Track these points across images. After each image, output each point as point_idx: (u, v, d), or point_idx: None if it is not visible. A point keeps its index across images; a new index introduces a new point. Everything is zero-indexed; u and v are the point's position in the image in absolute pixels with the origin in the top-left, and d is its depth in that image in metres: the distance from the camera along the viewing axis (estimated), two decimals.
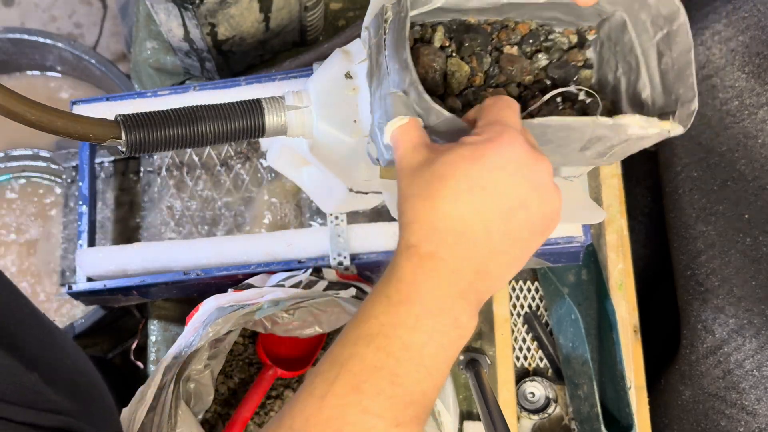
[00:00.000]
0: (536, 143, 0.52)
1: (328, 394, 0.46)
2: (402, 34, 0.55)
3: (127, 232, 0.97)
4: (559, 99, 0.65)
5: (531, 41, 0.66)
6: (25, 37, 1.29)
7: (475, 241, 0.48)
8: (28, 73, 1.39)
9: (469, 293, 0.49)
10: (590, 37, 0.67)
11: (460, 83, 0.63)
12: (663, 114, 0.60)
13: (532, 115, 0.62)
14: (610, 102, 0.65)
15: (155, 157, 0.97)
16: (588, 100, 0.65)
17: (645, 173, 1.12)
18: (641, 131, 0.56)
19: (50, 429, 0.49)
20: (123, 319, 1.29)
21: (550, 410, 0.91)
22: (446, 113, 0.53)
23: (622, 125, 0.55)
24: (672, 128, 0.57)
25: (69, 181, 0.99)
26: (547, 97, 0.61)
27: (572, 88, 0.64)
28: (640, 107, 0.63)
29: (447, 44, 0.64)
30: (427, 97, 0.53)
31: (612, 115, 0.56)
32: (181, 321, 1.01)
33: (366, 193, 0.75)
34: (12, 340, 0.51)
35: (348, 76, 0.67)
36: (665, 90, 0.61)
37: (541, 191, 0.50)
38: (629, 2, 0.61)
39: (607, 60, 0.66)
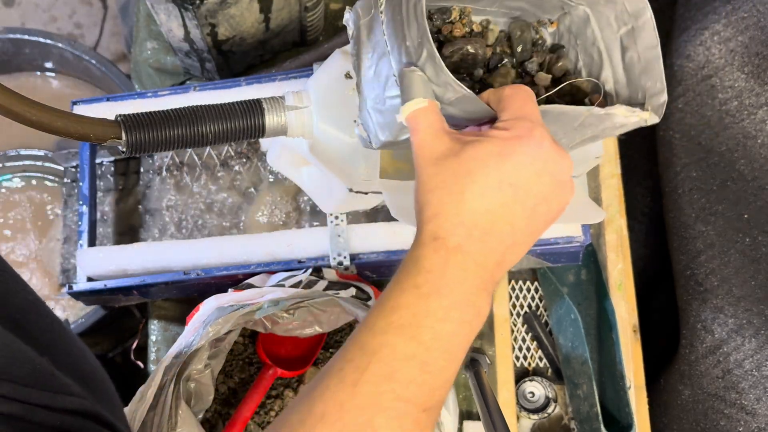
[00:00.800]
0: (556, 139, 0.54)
1: (361, 382, 0.47)
2: (419, 7, 0.53)
3: (127, 232, 0.97)
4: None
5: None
6: (26, 37, 1.30)
7: (500, 235, 0.50)
8: (28, 73, 1.39)
9: (489, 283, 0.51)
10: (550, 29, 0.68)
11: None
12: (630, 105, 0.61)
13: None
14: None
15: (155, 157, 0.97)
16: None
17: (645, 173, 1.12)
18: (624, 120, 0.58)
19: (66, 411, 0.50)
20: (123, 319, 1.29)
21: (549, 410, 0.91)
22: (466, 90, 0.53)
23: (611, 114, 0.57)
24: (649, 118, 0.59)
25: (69, 181, 0.99)
26: (558, 88, 0.63)
27: (581, 80, 0.65)
28: (604, 99, 0.64)
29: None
30: (447, 71, 0.52)
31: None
32: (181, 321, 1.01)
33: (366, 193, 0.76)
34: (22, 327, 0.52)
35: (348, 76, 0.67)
36: (629, 83, 0.62)
37: (562, 186, 0.52)
38: None
39: (566, 52, 0.67)
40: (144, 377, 0.98)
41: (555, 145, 0.51)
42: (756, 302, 0.88)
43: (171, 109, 0.62)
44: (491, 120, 0.54)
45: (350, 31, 0.62)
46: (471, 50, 0.63)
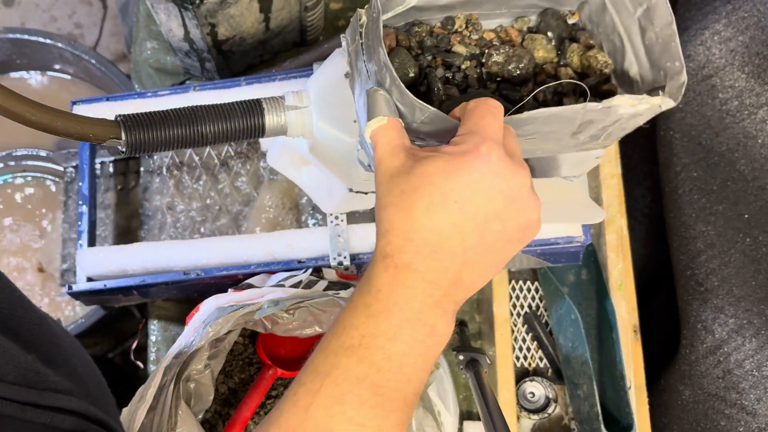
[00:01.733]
0: (517, 150, 0.53)
1: (312, 405, 0.47)
2: (377, 34, 0.54)
3: (127, 232, 0.97)
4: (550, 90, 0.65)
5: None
6: (25, 37, 1.30)
7: (450, 252, 0.49)
8: (28, 73, 1.39)
9: (445, 302, 0.49)
10: (572, 20, 0.66)
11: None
12: (653, 89, 0.59)
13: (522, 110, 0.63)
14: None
15: (155, 157, 0.97)
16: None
17: (645, 173, 1.12)
18: (632, 110, 0.55)
19: (52, 408, 0.50)
20: (123, 319, 1.29)
21: (549, 410, 0.91)
22: (430, 108, 0.53)
23: (611, 107, 0.55)
24: (663, 102, 0.56)
25: (69, 181, 0.99)
26: (530, 96, 0.61)
27: (562, 81, 0.64)
28: (630, 85, 0.63)
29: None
30: (408, 92, 0.53)
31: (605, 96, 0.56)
32: (181, 321, 1.01)
33: (366, 193, 0.75)
34: (6, 323, 0.52)
35: (348, 76, 0.67)
36: (653, 65, 0.60)
37: (517, 203, 0.50)
38: None
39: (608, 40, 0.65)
40: (144, 377, 0.99)
41: (506, 159, 0.49)
42: (756, 302, 0.88)
43: (171, 109, 0.62)
44: None
45: (345, 58, 0.62)
46: (511, 67, 0.62)
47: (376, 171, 0.52)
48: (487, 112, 0.52)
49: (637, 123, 0.59)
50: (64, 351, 0.61)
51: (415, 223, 0.49)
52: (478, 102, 0.53)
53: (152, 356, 1.01)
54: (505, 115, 0.55)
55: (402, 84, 0.53)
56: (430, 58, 0.64)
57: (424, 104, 0.53)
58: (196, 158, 0.96)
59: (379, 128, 0.53)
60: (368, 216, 0.88)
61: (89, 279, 0.88)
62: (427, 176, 0.49)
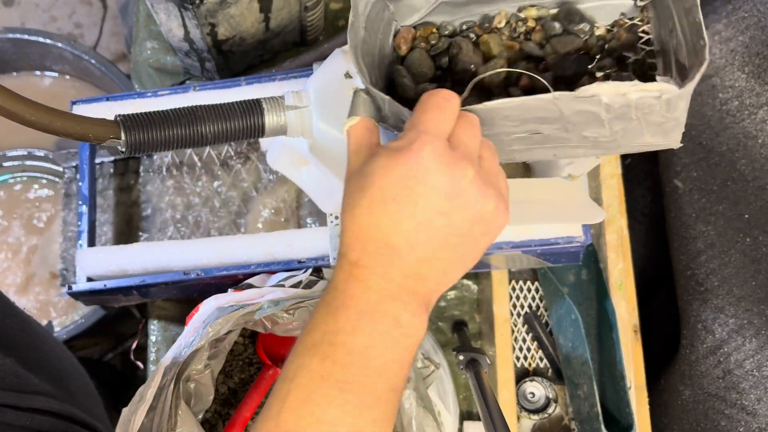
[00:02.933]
0: (469, 142, 0.51)
1: (283, 411, 0.47)
2: (359, 36, 0.56)
3: (127, 232, 0.97)
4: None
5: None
6: (25, 37, 1.30)
7: (396, 249, 0.49)
8: (28, 73, 1.39)
9: (403, 294, 0.49)
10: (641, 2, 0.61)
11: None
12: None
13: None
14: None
15: (155, 157, 0.97)
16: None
17: (645, 173, 1.12)
18: (621, 99, 0.49)
19: (32, 410, 0.50)
20: (123, 319, 1.29)
21: (550, 410, 0.91)
22: (386, 98, 0.54)
23: (591, 96, 0.50)
24: (662, 89, 0.49)
25: (69, 181, 0.99)
26: (474, 80, 0.58)
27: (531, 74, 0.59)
28: (684, 69, 0.55)
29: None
30: (367, 82, 0.54)
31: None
32: (181, 321, 1.01)
33: None
34: None
35: (348, 76, 0.67)
36: (689, 48, 0.54)
37: (459, 197, 0.49)
38: None
39: (662, 20, 0.59)
40: (144, 377, 0.99)
41: (440, 155, 0.49)
42: (756, 302, 0.88)
43: (170, 109, 0.62)
44: None
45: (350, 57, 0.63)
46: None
47: (345, 171, 0.54)
48: (432, 105, 0.51)
49: (654, 121, 0.52)
50: (46, 354, 0.61)
51: (359, 222, 0.49)
52: (428, 94, 0.52)
53: (152, 356, 1.01)
54: (467, 105, 0.54)
55: (366, 74, 0.54)
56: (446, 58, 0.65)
57: (383, 94, 0.54)
58: (196, 158, 0.96)
59: (351, 127, 0.55)
60: None
61: (89, 279, 0.88)
62: (369, 175, 0.50)
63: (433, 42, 0.66)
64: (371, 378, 0.48)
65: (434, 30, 0.66)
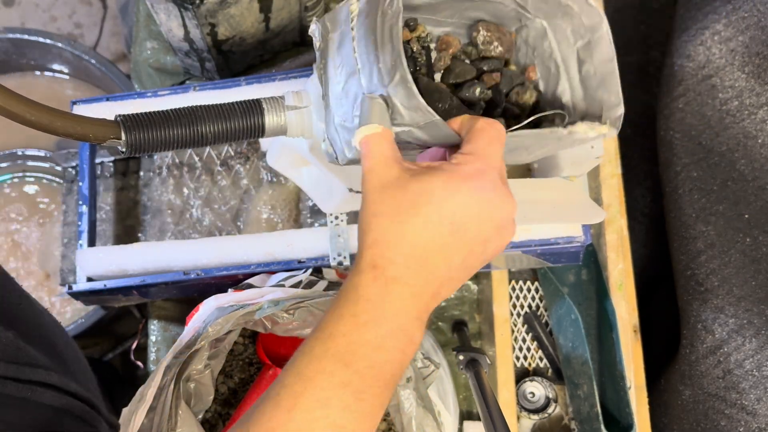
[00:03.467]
0: (506, 177, 0.54)
1: (296, 408, 0.48)
2: (395, 30, 0.54)
3: (127, 232, 0.97)
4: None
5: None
6: (25, 37, 1.30)
7: (435, 269, 0.50)
8: (28, 73, 1.39)
9: (424, 313, 0.52)
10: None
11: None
12: (588, 117, 0.62)
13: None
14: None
15: (155, 157, 0.97)
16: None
17: (645, 173, 1.12)
18: (584, 136, 0.59)
19: (32, 383, 0.50)
20: (123, 319, 1.29)
21: (550, 410, 0.91)
22: (435, 117, 0.53)
23: (573, 132, 0.58)
24: (608, 132, 0.59)
25: (69, 181, 0.99)
26: (532, 118, 0.63)
27: (552, 112, 0.66)
28: (561, 108, 0.65)
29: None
30: (419, 96, 0.53)
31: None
32: (181, 321, 1.01)
33: None
34: None
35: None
36: (587, 95, 0.63)
37: (502, 231, 0.52)
38: (552, 10, 0.63)
39: (524, 64, 0.68)
40: (144, 377, 0.99)
41: (502, 189, 0.51)
42: (756, 302, 0.88)
43: (170, 109, 0.62)
44: (456, 146, 0.55)
45: (317, 43, 0.61)
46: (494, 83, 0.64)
47: (365, 179, 0.53)
48: (495, 137, 0.53)
49: (578, 145, 0.62)
50: (45, 329, 0.62)
51: (407, 237, 0.50)
52: (488, 123, 0.54)
53: (152, 356, 1.01)
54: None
55: (414, 85, 0.52)
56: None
57: (431, 110, 0.53)
58: (196, 158, 0.96)
59: (372, 136, 0.54)
60: None
61: (89, 279, 0.88)
62: (425, 193, 0.50)
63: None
64: (381, 389, 0.50)
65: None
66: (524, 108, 0.67)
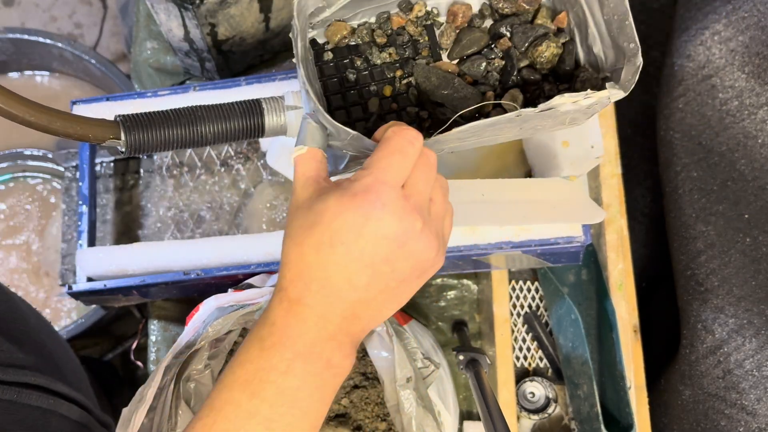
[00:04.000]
0: (423, 189, 0.51)
1: None
2: (306, 54, 0.53)
3: (127, 232, 0.97)
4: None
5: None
6: (25, 37, 1.30)
7: (338, 290, 0.49)
8: (28, 73, 1.39)
9: (339, 335, 0.50)
10: None
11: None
12: (615, 70, 0.56)
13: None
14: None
15: (155, 157, 0.97)
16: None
17: (645, 173, 1.12)
18: (575, 107, 0.53)
19: (18, 384, 0.50)
20: (123, 319, 1.29)
21: (550, 410, 0.91)
22: (352, 132, 0.52)
23: (552, 108, 0.52)
24: (611, 94, 0.54)
25: (69, 181, 0.99)
26: (454, 117, 0.58)
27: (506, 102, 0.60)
28: (595, 63, 0.59)
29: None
30: (327, 116, 0.52)
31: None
32: (181, 321, 1.01)
33: None
34: None
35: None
36: (613, 43, 0.57)
37: (405, 247, 0.49)
38: None
39: (559, 12, 0.62)
40: (144, 377, 0.99)
41: (394, 205, 0.48)
42: (756, 302, 0.88)
43: (170, 110, 0.62)
44: None
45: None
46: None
47: (290, 201, 0.53)
48: (396, 149, 0.50)
49: (593, 113, 0.56)
50: (32, 329, 0.61)
51: (305, 259, 0.49)
52: (394, 132, 0.51)
53: (152, 356, 1.01)
54: (431, 136, 0.53)
55: (321, 108, 0.52)
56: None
57: (344, 128, 0.52)
58: (196, 158, 0.96)
59: (299, 157, 0.54)
60: None
61: (89, 279, 0.88)
62: (319, 214, 0.49)
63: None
64: (296, 417, 0.48)
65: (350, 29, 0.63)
66: (542, 69, 0.60)
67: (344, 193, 0.49)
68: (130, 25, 1.25)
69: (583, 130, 0.78)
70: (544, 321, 0.96)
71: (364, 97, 0.63)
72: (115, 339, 1.36)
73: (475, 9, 0.63)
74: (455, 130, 0.53)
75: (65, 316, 1.31)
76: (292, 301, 0.49)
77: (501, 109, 0.59)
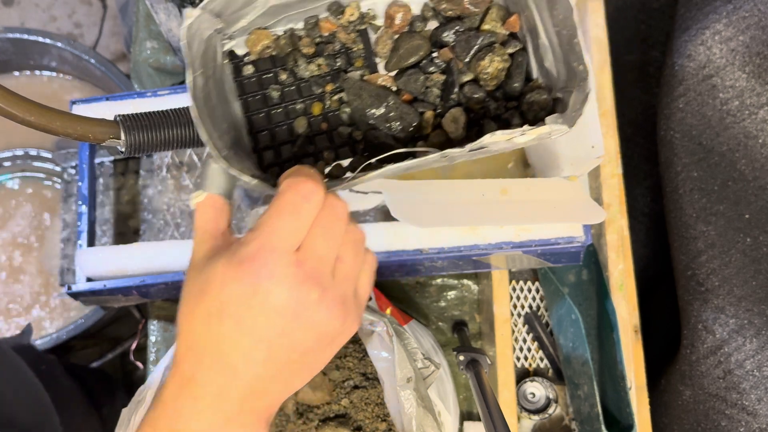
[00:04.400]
0: (326, 252, 0.46)
1: None
2: (198, 91, 0.49)
3: (127, 232, 0.97)
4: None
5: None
6: (25, 37, 1.30)
7: (233, 366, 0.44)
8: (28, 73, 1.39)
9: (241, 416, 0.45)
10: None
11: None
12: (567, 92, 0.48)
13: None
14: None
15: (155, 157, 0.97)
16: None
17: (645, 173, 1.12)
18: (510, 144, 0.46)
19: None
20: (122, 319, 1.29)
21: (550, 410, 0.91)
22: (253, 181, 0.48)
23: (484, 147, 0.45)
24: (552, 130, 0.46)
25: (68, 181, 0.99)
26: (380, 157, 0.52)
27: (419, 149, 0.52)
28: (547, 77, 0.52)
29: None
30: (225, 164, 0.48)
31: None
32: None
33: (366, 193, 0.75)
34: None
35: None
36: (565, 59, 0.49)
37: (302, 318, 0.44)
38: None
39: (511, 14, 0.54)
40: (144, 377, 0.99)
41: (281, 275, 0.43)
42: (757, 302, 0.88)
43: (170, 109, 0.61)
44: None
45: None
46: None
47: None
48: (287, 208, 0.45)
49: (552, 137, 0.48)
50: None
51: (196, 331, 0.44)
52: (288, 186, 0.46)
53: (152, 356, 1.01)
54: (344, 182, 0.48)
55: (220, 156, 0.48)
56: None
57: (248, 177, 0.48)
58: (196, 158, 0.96)
59: (198, 205, 0.50)
60: (368, 216, 0.88)
61: (89, 279, 0.88)
62: (207, 282, 0.44)
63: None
64: None
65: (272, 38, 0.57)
66: (486, 86, 0.52)
67: (231, 259, 0.44)
68: (130, 25, 1.25)
69: (583, 131, 0.78)
70: (544, 321, 0.96)
71: (290, 116, 0.57)
72: (114, 339, 1.36)
73: (416, 11, 0.55)
74: (372, 173, 0.47)
75: (65, 316, 1.31)
76: (184, 378, 0.44)
77: (441, 131, 0.53)
